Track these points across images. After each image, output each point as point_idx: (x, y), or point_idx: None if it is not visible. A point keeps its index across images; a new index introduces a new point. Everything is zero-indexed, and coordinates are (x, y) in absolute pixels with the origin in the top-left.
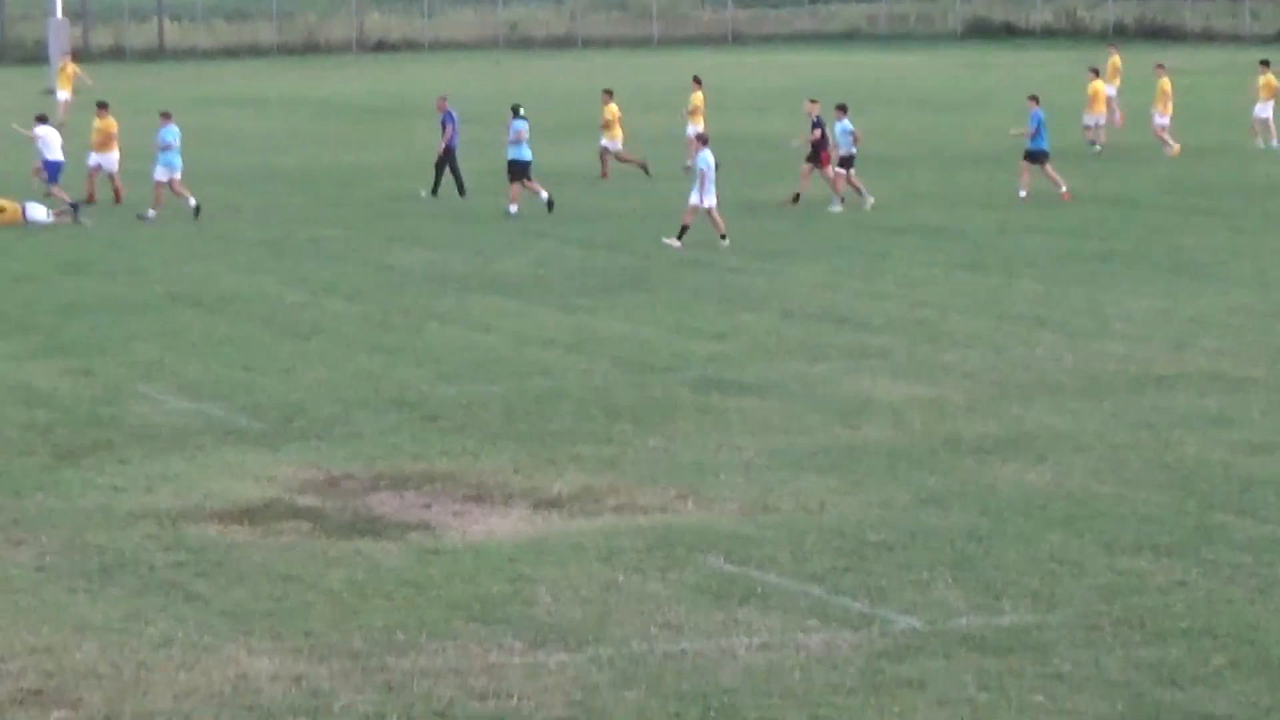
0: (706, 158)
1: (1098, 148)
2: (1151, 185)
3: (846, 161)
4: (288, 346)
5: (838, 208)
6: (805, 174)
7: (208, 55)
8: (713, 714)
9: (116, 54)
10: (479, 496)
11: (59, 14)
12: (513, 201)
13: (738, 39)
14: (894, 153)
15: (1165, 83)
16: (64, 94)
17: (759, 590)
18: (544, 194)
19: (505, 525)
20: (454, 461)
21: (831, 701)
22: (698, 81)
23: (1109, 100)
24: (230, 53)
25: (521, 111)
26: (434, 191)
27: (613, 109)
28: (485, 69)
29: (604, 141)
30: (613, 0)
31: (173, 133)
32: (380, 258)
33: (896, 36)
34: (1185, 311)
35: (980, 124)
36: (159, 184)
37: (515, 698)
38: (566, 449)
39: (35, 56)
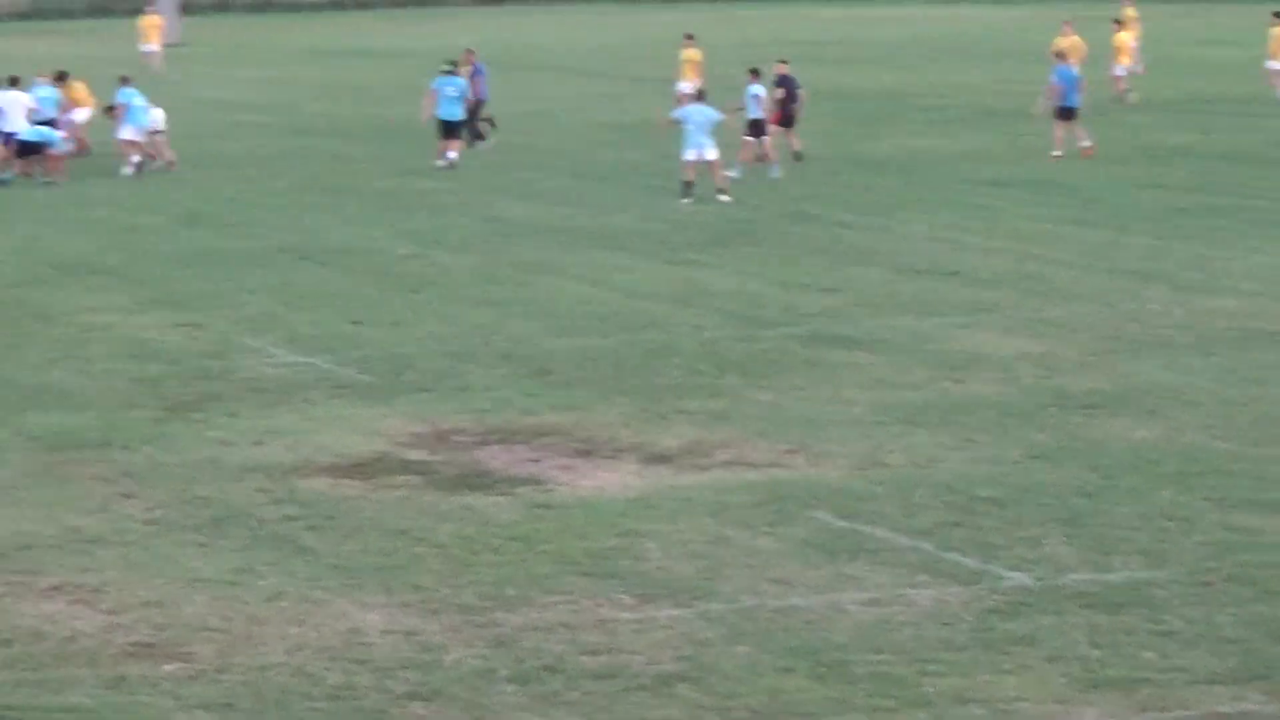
0: (692, 112)
1: (1132, 96)
2: (1261, 140)
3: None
4: (397, 300)
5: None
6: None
7: (315, 7)
8: (822, 669)
9: (222, 7)
10: (588, 451)
11: None
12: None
13: None
14: (1002, 106)
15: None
16: (152, 46)
17: (868, 545)
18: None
19: (615, 480)
20: (563, 416)
21: (941, 657)
22: (690, 38)
23: (1132, 50)
24: (338, 5)
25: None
26: (474, 140)
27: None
28: (593, 21)
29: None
30: None
31: (127, 94)
32: (490, 211)
33: None
34: None
35: (1092, 77)
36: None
37: (625, 652)
38: (676, 403)
39: (141, 10)
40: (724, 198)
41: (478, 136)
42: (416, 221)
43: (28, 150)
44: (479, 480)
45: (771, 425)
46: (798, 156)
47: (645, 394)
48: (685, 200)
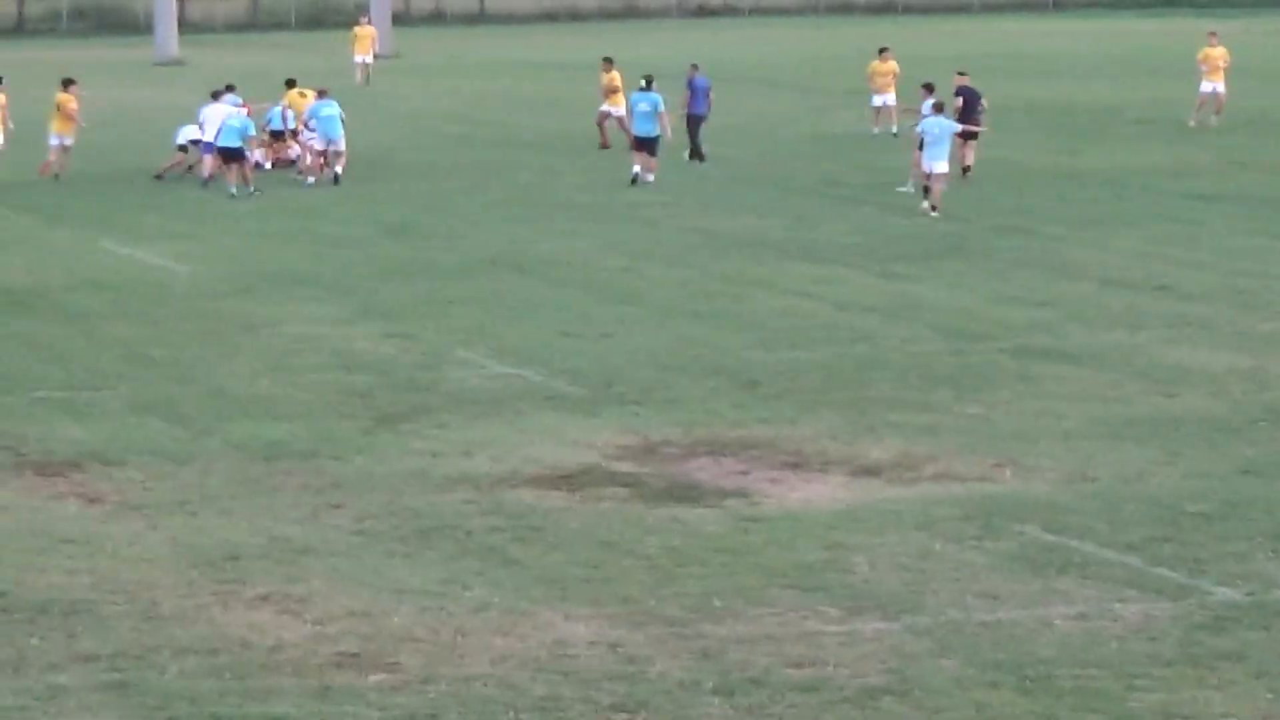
0: (932, 124)
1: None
2: None
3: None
4: (607, 311)
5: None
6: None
7: (527, 19)
8: (1028, 684)
9: (436, 18)
10: (797, 463)
11: None
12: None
13: (1057, 5)
14: (1211, 121)
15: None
16: (364, 57)
17: (1076, 560)
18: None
19: (823, 492)
20: (772, 428)
21: (1149, 673)
22: (884, 51)
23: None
24: (550, 16)
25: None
26: (694, 156)
27: (615, 77)
28: (803, 34)
29: (607, 108)
30: None
31: (320, 106)
32: (699, 223)
33: (1216, 3)
34: None
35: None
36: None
37: (831, 665)
38: (885, 416)
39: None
40: (933, 213)
41: (696, 154)
42: (625, 234)
43: (230, 156)
44: (687, 492)
45: (980, 439)
46: (965, 171)
47: (854, 407)
48: (925, 205)
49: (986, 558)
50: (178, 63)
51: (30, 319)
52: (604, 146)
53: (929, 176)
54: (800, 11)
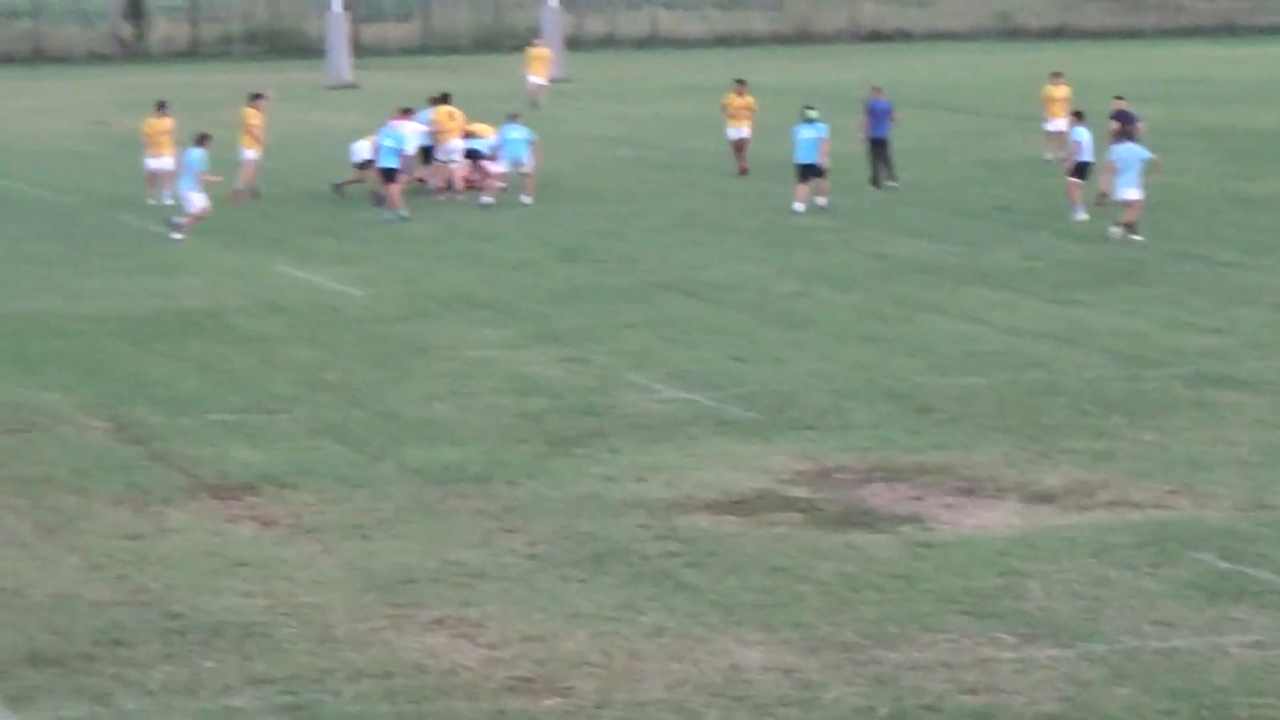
0: (1123, 150)
1: None
2: None
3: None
4: (779, 336)
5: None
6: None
7: (700, 43)
8: (1205, 713)
9: (608, 42)
10: (971, 489)
11: (552, 2)
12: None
13: (1234, 30)
14: None
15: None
16: (539, 79)
17: (1252, 588)
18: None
19: (997, 519)
20: (946, 454)
21: None
22: (1057, 75)
23: None
24: (723, 41)
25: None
26: (875, 182)
27: (749, 101)
28: (974, 59)
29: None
30: None
31: (508, 130)
32: (872, 247)
33: None
34: None
35: None
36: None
37: (1005, 692)
38: (1059, 442)
39: (528, 45)
40: (1135, 236)
41: (877, 179)
42: (798, 258)
43: (389, 177)
44: (861, 518)
45: (1155, 465)
46: (1101, 198)
47: (1028, 433)
48: (1114, 229)
49: (1162, 585)
50: (350, 86)
51: (206, 342)
52: (743, 171)
53: (1126, 205)
54: (972, 36)
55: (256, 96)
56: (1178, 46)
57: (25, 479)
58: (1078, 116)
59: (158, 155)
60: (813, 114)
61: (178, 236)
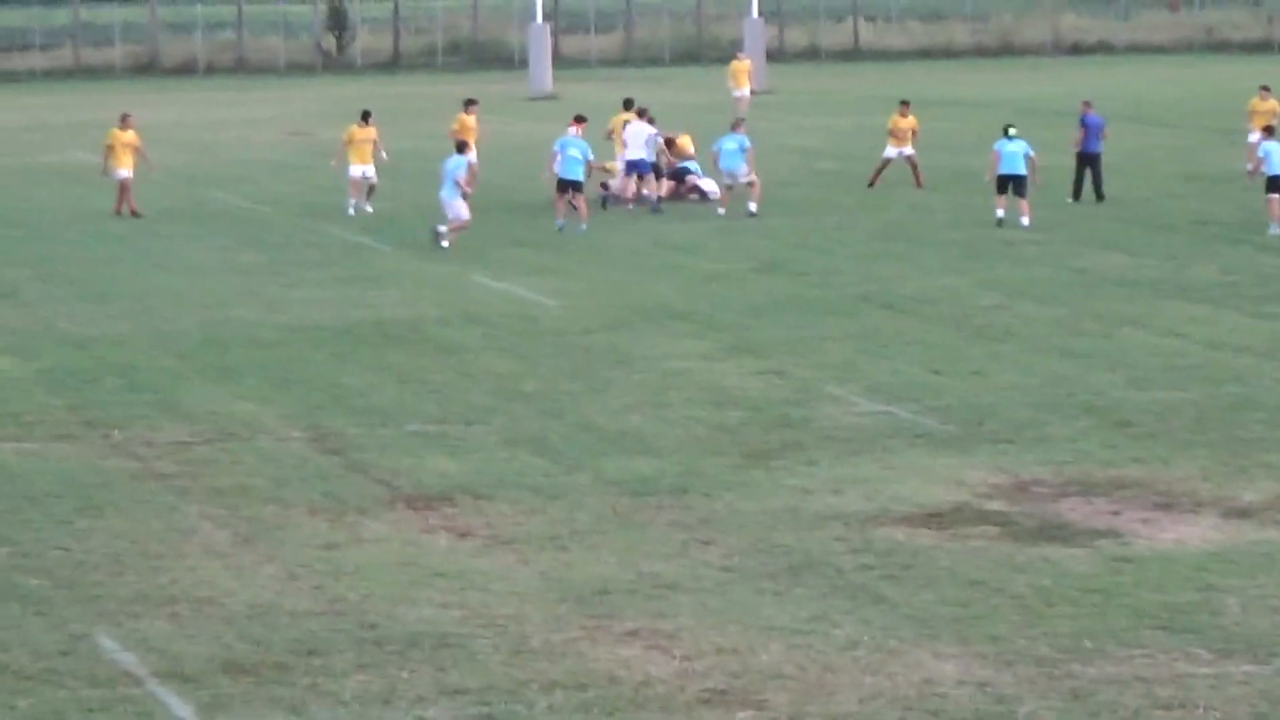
0: None
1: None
2: None
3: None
4: (978, 349)
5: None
6: None
7: (902, 56)
8: None
9: (811, 54)
10: (1168, 504)
11: (754, 14)
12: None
13: None
14: None
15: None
16: (742, 91)
17: None
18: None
19: (1194, 533)
20: (1144, 468)
21: None
22: (1266, 90)
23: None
24: (925, 53)
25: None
26: (1076, 195)
27: (913, 121)
28: (1178, 71)
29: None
30: None
31: (727, 139)
32: (1072, 261)
33: None
34: None
35: None
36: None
37: (1201, 708)
38: (1258, 457)
39: (731, 57)
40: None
41: (1079, 193)
42: (998, 271)
43: (565, 187)
44: (1057, 532)
45: None
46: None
47: (1226, 447)
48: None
49: None
50: (551, 97)
51: (404, 353)
52: (871, 185)
53: None
54: (1175, 49)
55: (470, 102)
56: None
57: (223, 489)
58: (1268, 131)
59: (362, 163)
60: (1013, 131)
61: (445, 244)
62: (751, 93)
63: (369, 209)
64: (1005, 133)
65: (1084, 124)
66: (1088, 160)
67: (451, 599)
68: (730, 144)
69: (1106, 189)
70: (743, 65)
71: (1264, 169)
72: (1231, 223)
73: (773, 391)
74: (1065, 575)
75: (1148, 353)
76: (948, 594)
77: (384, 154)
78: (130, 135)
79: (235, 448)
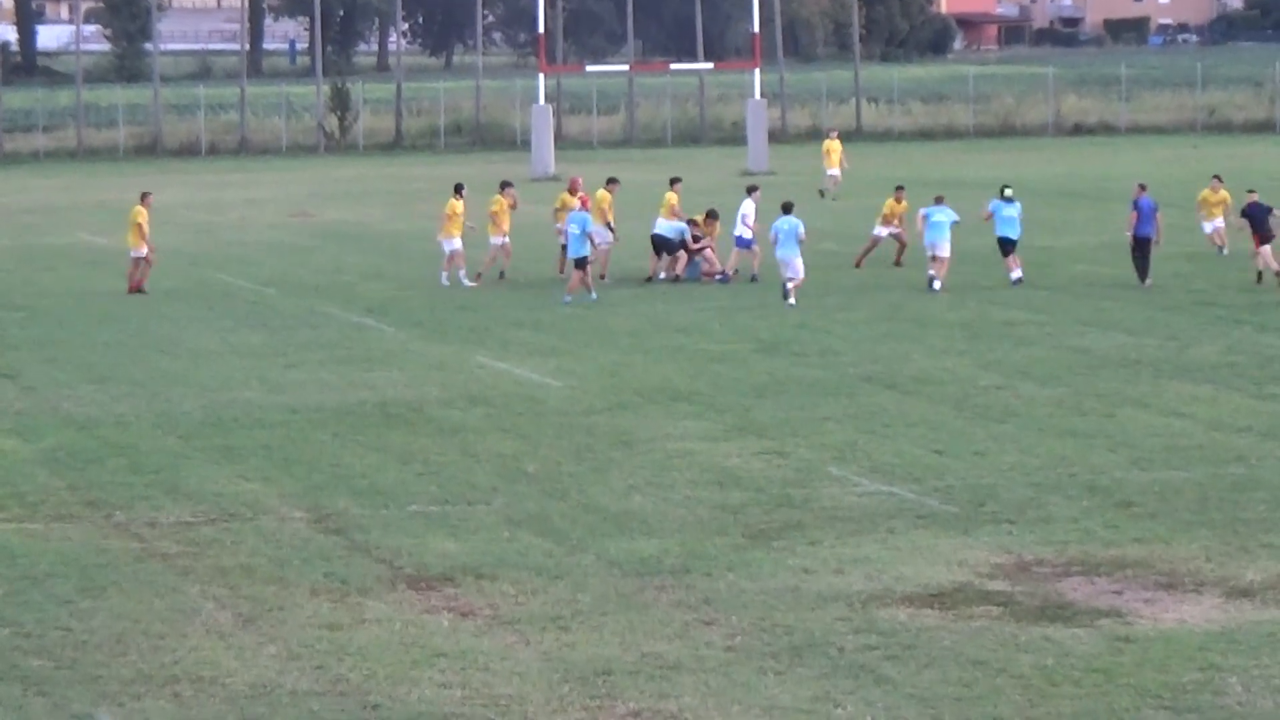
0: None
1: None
2: None
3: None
4: (980, 430)
5: None
6: None
7: (903, 136)
8: None
9: (813, 135)
10: (1171, 584)
11: (757, 95)
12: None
13: None
14: None
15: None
16: (833, 170)
17: None
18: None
19: (1197, 613)
20: (1146, 548)
21: None
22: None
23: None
24: (926, 134)
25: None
26: (1143, 277)
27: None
28: (1182, 153)
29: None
30: None
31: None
32: (1074, 341)
33: None
34: None
35: None
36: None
37: None
38: (1260, 537)
39: (732, 138)
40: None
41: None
42: (1000, 352)
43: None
44: (1060, 611)
45: None
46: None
47: (1229, 527)
48: None
49: None
50: (554, 178)
51: (407, 433)
52: (858, 265)
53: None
54: (1176, 130)
55: (506, 185)
56: None
57: (225, 569)
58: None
59: (450, 237)
60: (1009, 192)
61: (791, 302)
62: (842, 170)
63: (445, 282)
64: (1002, 194)
65: (1137, 207)
66: (1139, 244)
67: (453, 679)
68: (940, 215)
69: (1106, 269)
70: (833, 145)
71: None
72: (1234, 304)
73: (775, 472)
74: (1068, 655)
75: (1149, 433)
76: (950, 674)
77: (472, 226)
78: (135, 213)
79: (237, 528)
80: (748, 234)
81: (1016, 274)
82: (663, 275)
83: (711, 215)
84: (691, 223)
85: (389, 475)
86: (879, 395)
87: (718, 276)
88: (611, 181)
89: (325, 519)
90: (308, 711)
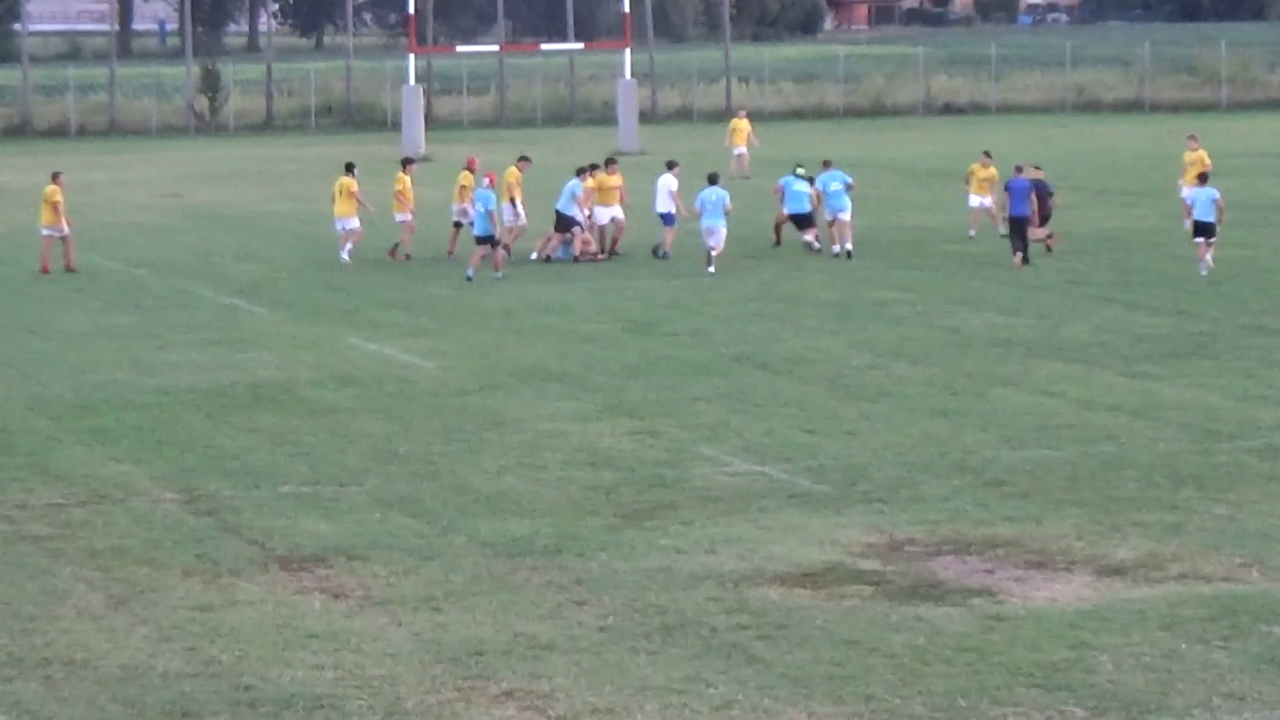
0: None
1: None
2: None
3: None
4: (852, 409)
5: None
6: None
7: (774, 116)
8: None
9: (684, 115)
10: (1042, 562)
11: (627, 75)
12: None
13: None
14: None
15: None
16: (740, 149)
17: None
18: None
19: (1068, 591)
20: (1017, 527)
21: None
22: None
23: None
24: (797, 114)
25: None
26: (1025, 259)
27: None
28: (1050, 132)
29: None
30: (1181, 64)
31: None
32: (945, 320)
33: None
34: None
35: None
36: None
37: None
38: (1130, 515)
39: (603, 118)
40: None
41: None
42: (871, 331)
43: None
44: (931, 591)
45: (1226, 539)
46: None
47: (1099, 506)
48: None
49: (1233, 658)
50: (425, 159)
51: (278, 414)
52: (777, 244)
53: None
54: (1046, 109)
55: (408, 162)
56: (1254, 119)
57: (97, 550)
58: (1202, 179)
59: (346, 216)
60: (801, 170)
61: (710, 270)
62: (750, 148)
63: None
64: (794, 172)
65: (1008, 188)
66: (1015, 224)
67: (326, 660)
68: (835, 184)
69: (977, 247)
70: (740, 124)
71: (1193, 214)
72: (1104, 282)
73: (647, 452)
74: (939, 634)
75: (1020, 412)
76: (822, 653)
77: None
78: (50, 192)
79: (109, 510)
80: (672, 209)
81: (808, 238)
82: (533, 256)
83: (611, 162)
84: (582, 172)
85: (260, 456)
86: (751, 375)
87: (588, 256)
88: (523, 159)
89: (197, 500)
90: (180, 693)
